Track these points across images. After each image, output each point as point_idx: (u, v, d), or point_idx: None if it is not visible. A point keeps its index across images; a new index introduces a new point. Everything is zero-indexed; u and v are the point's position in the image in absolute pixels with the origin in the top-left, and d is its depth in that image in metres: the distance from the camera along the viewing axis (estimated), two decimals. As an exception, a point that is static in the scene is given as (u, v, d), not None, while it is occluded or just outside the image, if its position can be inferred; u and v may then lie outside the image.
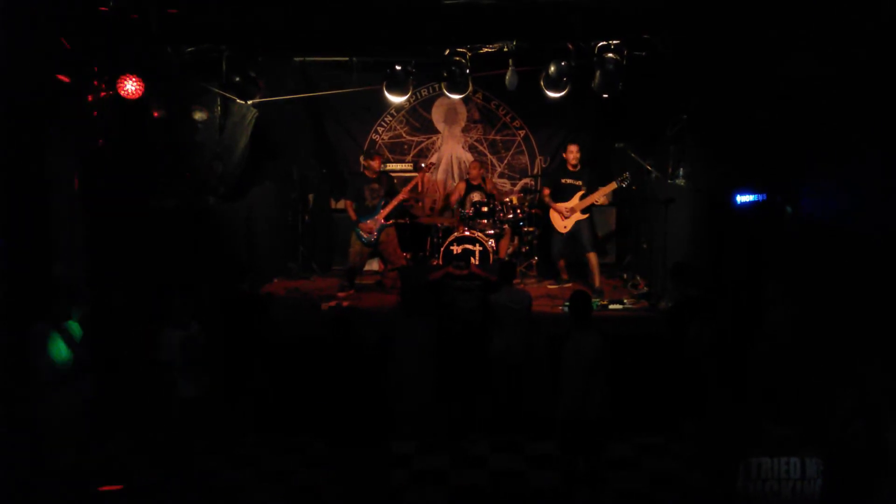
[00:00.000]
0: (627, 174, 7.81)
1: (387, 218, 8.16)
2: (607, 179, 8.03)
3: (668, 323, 6.34)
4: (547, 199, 8.25)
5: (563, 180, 8.14)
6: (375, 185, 8.22)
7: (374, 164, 8.31)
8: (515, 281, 6.72)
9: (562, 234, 8.16)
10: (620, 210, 9.61)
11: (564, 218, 8.09)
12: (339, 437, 4.85)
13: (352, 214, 8.19)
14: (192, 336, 5.31)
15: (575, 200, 8.04)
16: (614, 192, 7.93)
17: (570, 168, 8.11)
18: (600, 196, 7.91)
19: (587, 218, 8.08)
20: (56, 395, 4.79)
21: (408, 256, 8.80)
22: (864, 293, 4.99)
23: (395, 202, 8.17)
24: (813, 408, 4.53)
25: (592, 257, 8.07)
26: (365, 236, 8.10)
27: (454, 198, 8.99)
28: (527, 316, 6.37)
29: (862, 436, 3.99)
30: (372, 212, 8.13)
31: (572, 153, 8.03)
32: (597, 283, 8.04)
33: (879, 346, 4.60)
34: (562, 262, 8.42)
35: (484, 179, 8.90)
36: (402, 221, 8.79)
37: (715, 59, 6.54)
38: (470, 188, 8.81)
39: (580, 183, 8.04)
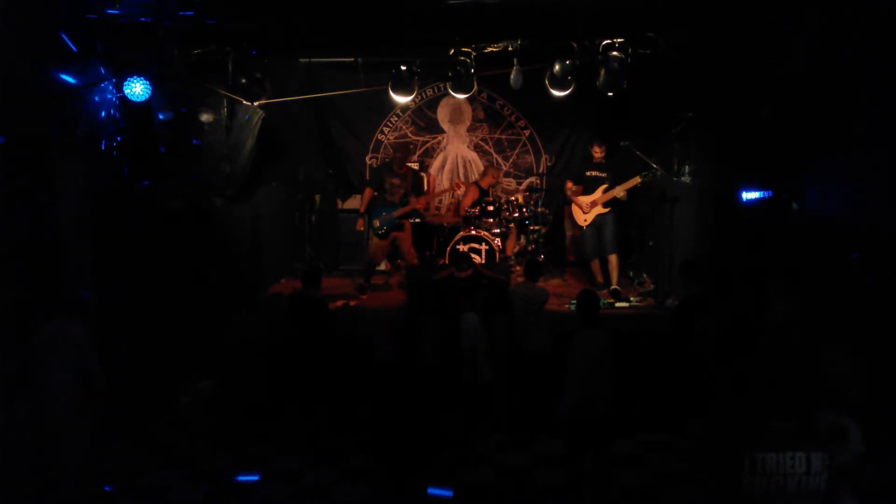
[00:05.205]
0: (656, 167, 7.61)
1: (399, 217, 8.15)
2: (631, 174, 7.81)
3: (673, 320, 6.34)
4: (569, 193, 8.20)
5: (587, 173, 8.09)
6: (397, 181, 8.16)
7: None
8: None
9: (583, 228, 8.11)
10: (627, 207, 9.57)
11: (585, 212, 8.06)
12: (397, 460, 4.81)
13: (362, 206, 8.17)
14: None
15: (598, 194, 7.99)
16: (636, 187, 7.73)
17: (595, 161, 8.04)
18: (621, 191, 7.75)
19: (610, 213, 7.96)
20: (63, 397, 4.81)
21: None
22: (868, 289, 4.98)
23: (408, 208, 8.16)
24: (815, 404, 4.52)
25: (613, 258, 8.03)
26: (376, 227, 8.09)
27: (466, 201, 8.81)
28: (538, 311, 6.44)
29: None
30: (389, 208, 8.11)
31: (597, 152, 7.98)
32: (614, 282, 8.04)
33: (882, 343, 4.59)
34: (595, 263, 8.21)
35: (493, 186, 8.88)
36: (411, 221, 8.79)
37: (719, 57, 6.53)
38: (482, 194, 8.77)
39: (605, 175, 7.97)
